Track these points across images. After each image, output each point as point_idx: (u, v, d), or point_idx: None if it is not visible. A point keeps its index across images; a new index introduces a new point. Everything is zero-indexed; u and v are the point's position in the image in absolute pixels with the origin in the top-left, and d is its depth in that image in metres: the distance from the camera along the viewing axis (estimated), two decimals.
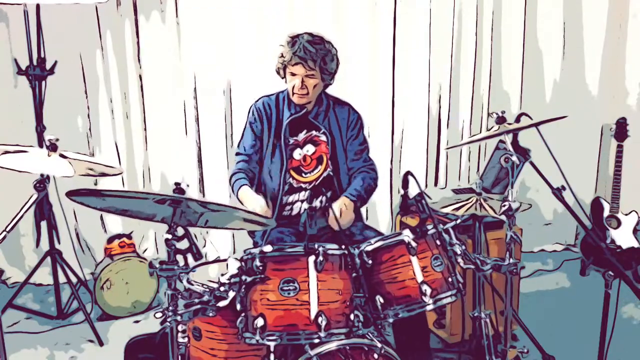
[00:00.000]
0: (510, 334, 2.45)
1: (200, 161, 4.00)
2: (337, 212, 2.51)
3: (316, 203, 2.80)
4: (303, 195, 2.79)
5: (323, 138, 2.80)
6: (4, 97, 3.66)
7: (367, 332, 2.05)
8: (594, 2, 4.15)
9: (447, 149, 4.20)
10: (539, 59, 4.23)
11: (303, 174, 2.79)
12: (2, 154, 2.05)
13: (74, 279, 3.38)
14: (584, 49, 4.23)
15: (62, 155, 2.12)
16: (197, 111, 3.93)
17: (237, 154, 2.81)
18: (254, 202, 2.56)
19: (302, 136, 2.78)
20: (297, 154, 2.78)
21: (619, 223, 3.81)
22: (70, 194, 1.81)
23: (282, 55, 2.67)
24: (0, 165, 1.99)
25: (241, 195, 2.64)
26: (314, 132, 2.79)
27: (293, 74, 2.65)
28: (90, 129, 3.85)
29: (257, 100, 2.82)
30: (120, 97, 3.87)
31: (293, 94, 2.69)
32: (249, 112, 2.81)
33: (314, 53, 2.60)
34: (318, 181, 2.82)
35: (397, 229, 3.35)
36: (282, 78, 2.76)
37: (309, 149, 2.79)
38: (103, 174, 2.31)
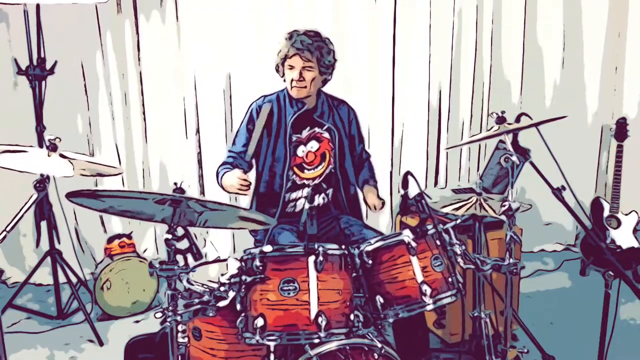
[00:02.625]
0: (510, 334, 2.45)
1: (200, 161, 4.00)
2: (376, 202, 2.77)
3: (318, 200, 2.81)
4: (306, 192, 2.80)
5: (326, 135, 2.81)
6: (4, 97, 3.66)
7: (367, 332, 2.06)
8: (594, 2, 4.15)
9: (447, 149, 4.20)
10: (539, 58, 4.23)
11: (306, 171, 2.80)
12: (2, 152, 2.05)
13: (74, 279, 3.38)
14: (583, 49, 4.22)
15: (62, 155, 2.13)
16: (197, 111, 3.93)
17: (229, 151, 2.83)
18: (231, 176, 2.62)
19: (305, 133, 2.79)
20: (300, 151, 2.79)
21: (619, 223, 3.81)
22: (70, 196, 1.81)
23: (280, 51, 2.70)
24: (0, 165, 1.99)
25: (223, 181, 2.69)
26: (317, 129, 2.80)
27: (291, 67, 2.67)
28: (90, 129, 3.85)
29: (257, 100, 2.82)
30: (120, 97, 3.87)
31: (292, 87, 2.70)
32: (247, 110, 2.81)
33: (311, 44, 2.65)
34: (321, 178, 2.83)
35: (397, 229, 3.35)
36: (282, 77, 2.77)
37: (313, 145, 2.80)
38: (102, 174, 2.31)
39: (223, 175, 2.70)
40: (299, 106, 2.76)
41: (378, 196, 2.82)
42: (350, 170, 2.89)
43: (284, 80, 2.76)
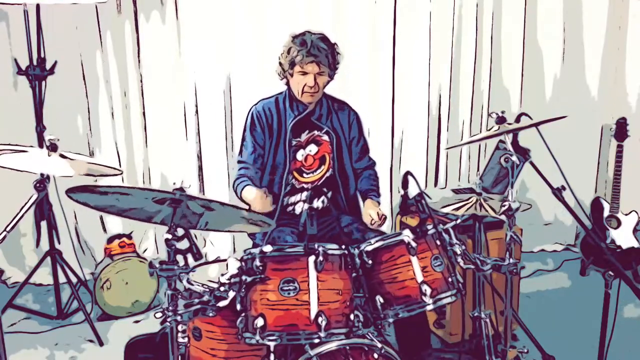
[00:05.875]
0: (510, 334, 2.45)
1: (200, 161, 4.00)
2: (375, 217, 2.61)
3: (318, 203, 2.80)
4: (305, 195, 2.79)
5: (325, 138, 2.80)
6: (4, 97, 3.66)
7: (367, 332, 2.06)
8: (594, 2, 4.15)
9: (447, 149, 4.20)
10: (539, 58, 4.23)
11: (304, 174, 2.79)
12: (2, 153, 2.05)
13: (74, 279, 3.38)
14: (584, 49, 4.23)
15: (62, 155, 2.13)
16: (197, 111, 3.93)
17: (239, 161, 2.78)
18: (255, 193, 2.56)
19: (304, 137, 2.78)
20: (300, 154, 2.78)
21: (619, 223, 3.81)
22: (70, 191, 1.81)
23: (289, 55, 2.63)
24: (0, 165, 1.99)
25: (245, 195, 2.63)
26: (316, 132, 2.79)
27: (304, 73, 2.62)
28: (90, 129, 3.85)
29: (256, 104, 2.79)
30: (120, 97, 3.87)
31: (303, 93, 2.66)
32: (247, 117, 2.78)
33: (327, 50, 2.62)
34: (320, 181, 2.82)
35: (397, 229, 3.35)
36: (282, 79, 2.74)
37: (312, 148, 2.79)
38: (102, 175, 2.31)
39: (243, 189, 2.64)
40: (299, 110, 2.73)
41: (380, 211, 2.67)
42: (350, 172, 2.86)
43: (286, 84, 2.74)
